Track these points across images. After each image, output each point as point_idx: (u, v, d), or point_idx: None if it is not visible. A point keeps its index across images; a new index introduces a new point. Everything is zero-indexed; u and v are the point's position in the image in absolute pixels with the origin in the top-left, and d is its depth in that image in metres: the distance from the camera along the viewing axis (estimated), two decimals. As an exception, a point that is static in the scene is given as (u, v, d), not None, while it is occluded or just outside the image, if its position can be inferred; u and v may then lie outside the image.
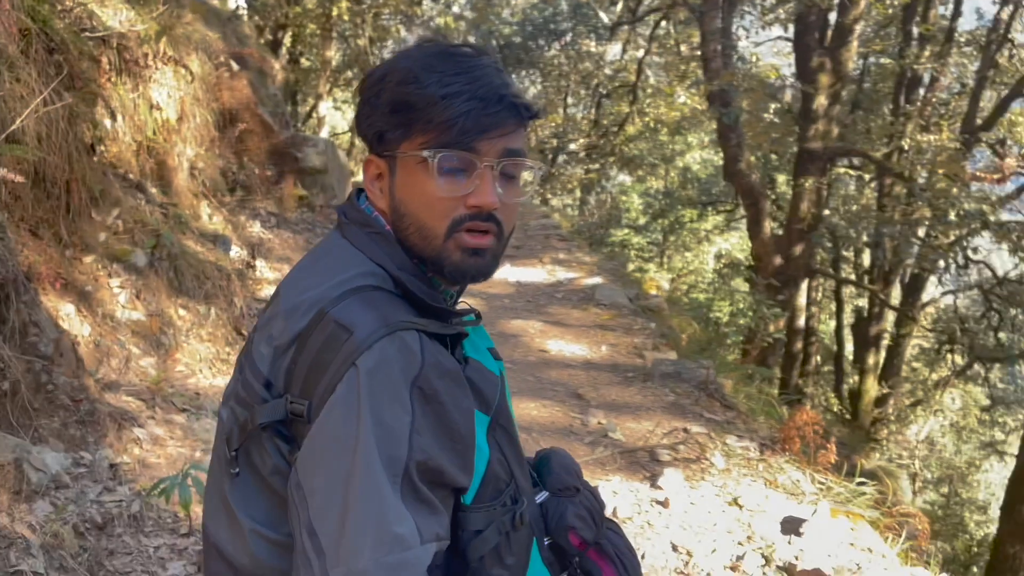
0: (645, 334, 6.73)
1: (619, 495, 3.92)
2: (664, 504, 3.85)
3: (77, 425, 3.33)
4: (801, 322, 12.70)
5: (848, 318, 16.12)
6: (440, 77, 1.09)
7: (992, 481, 18.60)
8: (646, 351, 6.21)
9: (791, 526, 3.65)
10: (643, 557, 3.44)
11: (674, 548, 3.52)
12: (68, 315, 3.84)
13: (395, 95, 1.11)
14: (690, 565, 3.39)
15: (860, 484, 4.27)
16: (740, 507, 3.87)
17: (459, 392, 1.06)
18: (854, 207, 13.22)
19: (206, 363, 4.59)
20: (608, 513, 3.77)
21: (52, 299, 3.78)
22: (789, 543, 3.54)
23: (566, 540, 1.28)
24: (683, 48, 14.96)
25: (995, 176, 13.44)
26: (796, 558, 3.42)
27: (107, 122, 4.85)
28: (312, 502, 0.99)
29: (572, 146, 19.34)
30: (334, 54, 14.68)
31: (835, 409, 14.60)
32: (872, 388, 13.86)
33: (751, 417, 5.29)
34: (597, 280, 8.29)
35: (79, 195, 4.17)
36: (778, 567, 3.37)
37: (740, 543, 3.56)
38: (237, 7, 10.73)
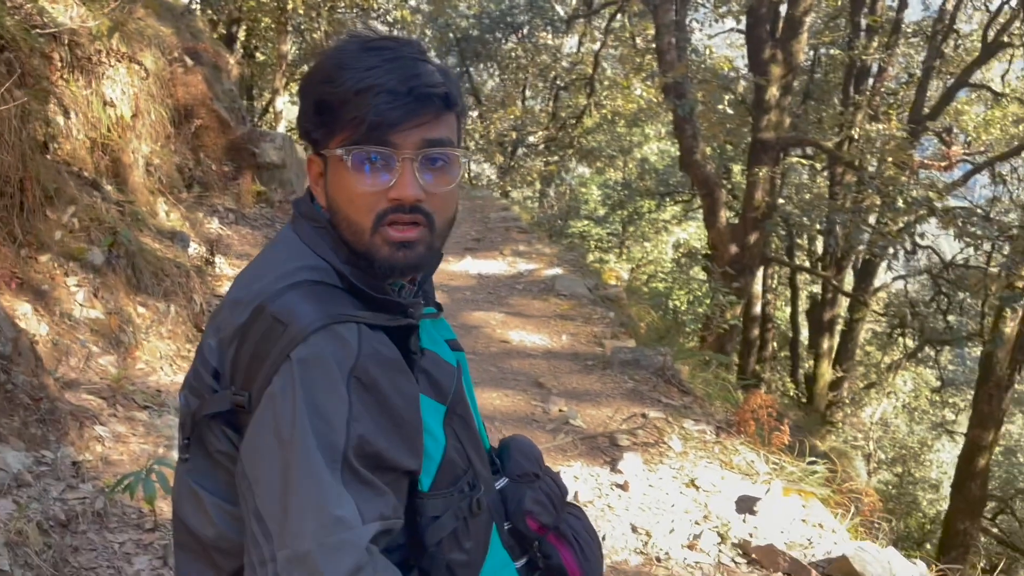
0: (604, 323, 6.84)
1: (580, 480, 4.01)
2: (624, 487, 3.95)
3: (37, 424, 3.33)
4: (757, 309, 12.94)
5: (803, 304, 16.46)
6: (354, 74, 1.09)
7: (944, 460, 19.13)
8: (605, 340, 6.32)
9: (745, 505, 3.77)
10: (604, 539, 3.54)
11: (634, 529, 3.62)
12: (25, 314, 3.81)
13: (317, 95, 1.13)
14: (649, 545, 3.49)
15: (811, 464, 4.42)
16: (697, 488, 3.99)
17: (400, 379, 1.09)
18: (807, 196, 13.48)
19: (167, 360, 4.58)
20: (570, 497, 3.86)
21: (8, 298, 3.75)
22: (744, 521, 3.67)
23: (524, 525, 1.32)
24: (639, 41, 15.09)
25: (942, 164, 13.83)
26: (750, 535, 3.54)
27: (60, 119, 4.81)
28: (256, 489, 1.02)
29: (531, 139, 19.42)
30: (290, 48, 14.56)
31: (791, 393, 14.91)
32: (827, 372, 14.19)
33: (707, 401, 5.42)
34: (557, 271, 8.38)
35: (33, 193, 4.13)
36: (733, 544, 3.49)
37: (697, 523, 3.67)
38: (190, 1, 10.60)
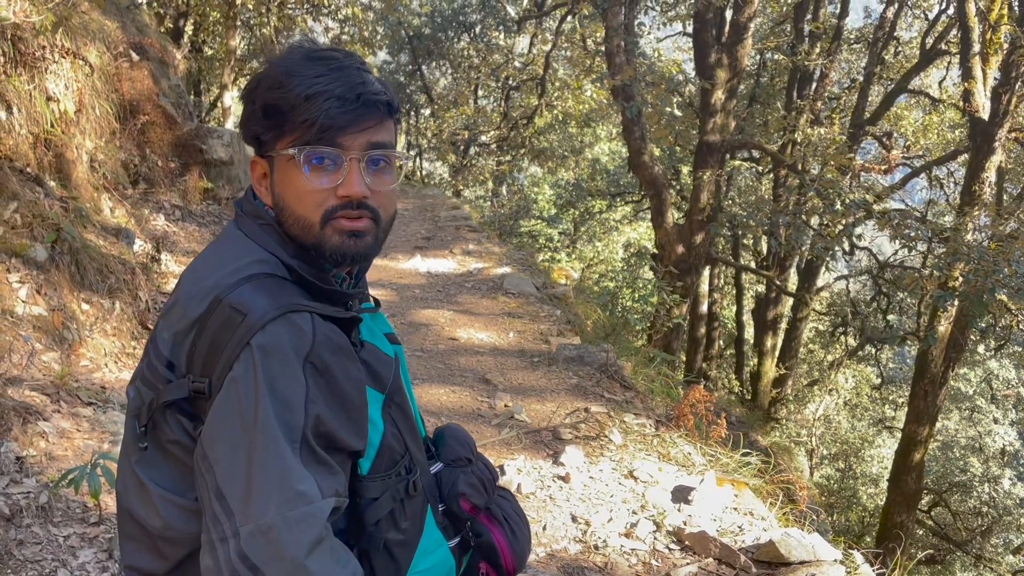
0: (551, 321, 6.96)
1: (523, 472, 4.12)
2: (565, 479, 4.07)
3: (-21, 420, 3.32)
4: (704, 308, 13.21)
5: (748, 303, 16.82)
6: (302, 80, 1.19)
7: (884, 456, 19.66)
8: (551, 337, 6.44)
9: (681, 495, 3.91)
10: (544, 528, 3.65)
11: (574, 519, 3.73)
12: (-34, 311, 3.79)
13: (265, 100, 1.22)
14: (588, 534, 3.61)
15: (745, 455, 4.59)
16: (635, 479, 4.12)
17: (350, 364, 1.19)
18: (752, 197, 13.77)
19: (111, 357, 4.57)
20: (513, 489, 3.97)
21: (-51, 295, 3.73)
22: (679, 510, 3.81)
23: (458, 506, 1.43)
24: (589, 43, 15.27)
25: (882, 167, 14.26)
26: (684, 523, 3.69)
27: (2, 115, 4.76)
28: (218, 469, 1.09)
29: (483, 138, 19.51)
30: (238, 43, 14.41)
31: (736, 390, 15.23)
32: (771, 370, 14.52)
33: (648, 397, 5.57)
34: (506, 270, 8.48)
35: (-26, 189, 4.10)
36: (668, 532, 3.62)
37: (634, 512, 3.80)
38: (136, -5, 10.43)
